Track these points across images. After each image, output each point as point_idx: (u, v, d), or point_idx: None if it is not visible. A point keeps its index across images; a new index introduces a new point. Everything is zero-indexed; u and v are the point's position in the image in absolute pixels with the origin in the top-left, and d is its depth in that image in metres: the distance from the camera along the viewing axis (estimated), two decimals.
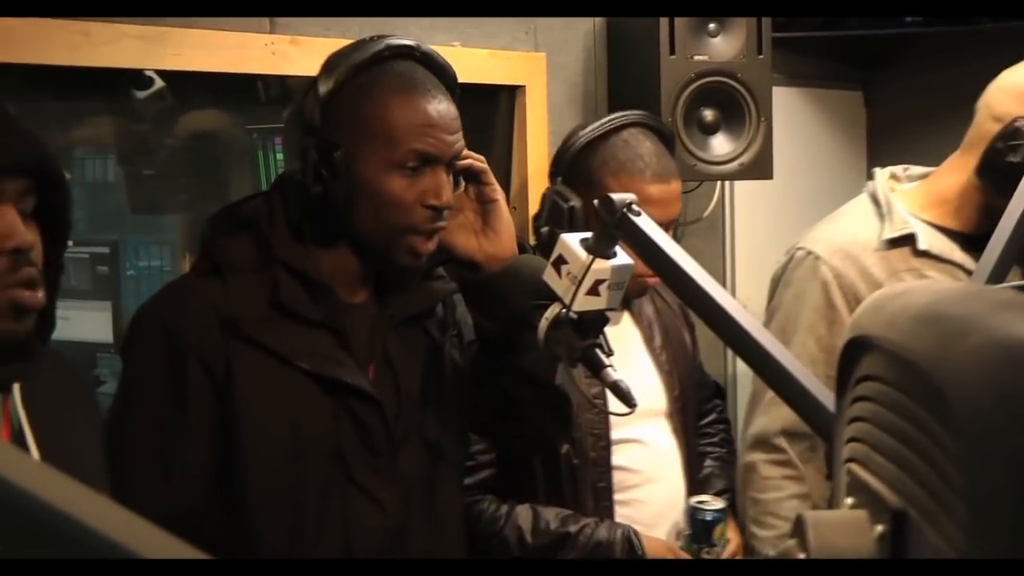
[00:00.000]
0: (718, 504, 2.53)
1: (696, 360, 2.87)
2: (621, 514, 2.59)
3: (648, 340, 2.71)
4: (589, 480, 2.55)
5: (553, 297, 1.86)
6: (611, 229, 1.79)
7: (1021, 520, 0.74)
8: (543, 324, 1.86)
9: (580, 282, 1.82)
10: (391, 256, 2.02)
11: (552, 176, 2.63)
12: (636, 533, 2.48)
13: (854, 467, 0.96)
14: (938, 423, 0.80)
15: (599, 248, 1.82)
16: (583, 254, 1.82)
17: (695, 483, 2.73)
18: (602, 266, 1.82)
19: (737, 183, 3.84)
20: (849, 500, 0.96)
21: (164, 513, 1.88)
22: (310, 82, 2.01)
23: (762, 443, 2.71)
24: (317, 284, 2.01)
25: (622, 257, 1.85)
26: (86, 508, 0.69)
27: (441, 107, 2.00)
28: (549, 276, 1.87)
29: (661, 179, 2.54)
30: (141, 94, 3.21)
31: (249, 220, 2.05)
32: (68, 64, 2.39)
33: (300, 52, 2.74)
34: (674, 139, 2.75)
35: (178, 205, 3.88)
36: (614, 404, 2.40)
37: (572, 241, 1.85)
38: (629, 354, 2.67)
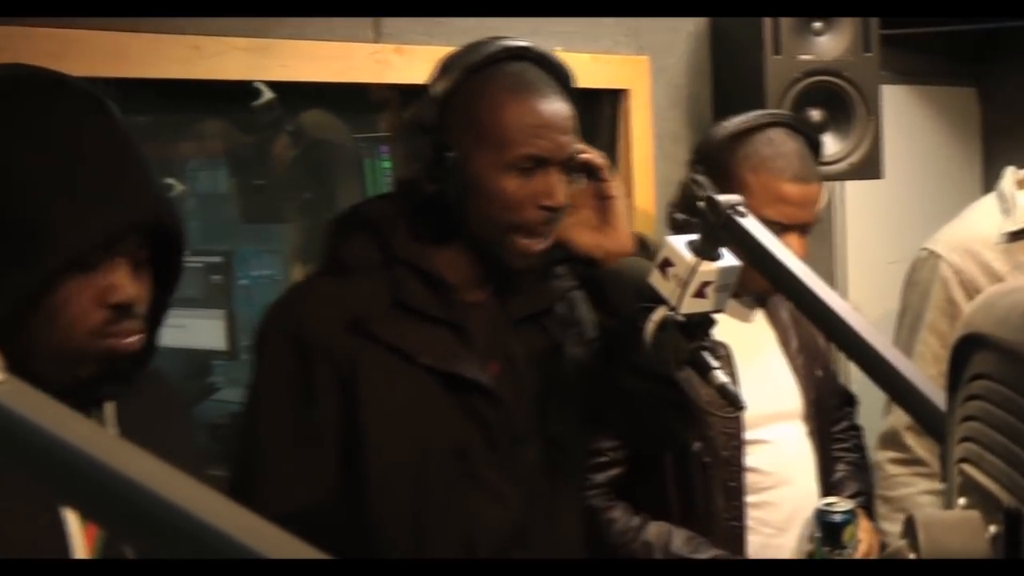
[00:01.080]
0: (847, 505, 2.49)
1: (833, 366, 2.84)
2: (753, 516, 2.56)
3: (784, 343, 2.69)
4: (720, 480, 2.53)
5: (660, 300, 1.85)
6: (717, 231, 1.77)
7: None
8: (650, 327, 1.85)
9: (686, 285, 1.81)
10: (504, 255, 2.03)
11: (692, 164, 2.61)
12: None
13: (966, 467, 0.94)
14: None
15: (705, 250, 1.81)
16: (689, 256, 1.81)
17: (828, 487, 2.69)
18: (708, 268, 1.81)
19: (848, 183, 3.79)
20: (962, 500, 0.95)
21: (294, 511, 1.94)
22: (426, 84, 2.03)
23: (890, 441, 2.72)
24: (438, 282, 2.03)
25: (729, 259, 1.83)
26: (210, 509, 0.70)
27: (554, 107, 2.00)
28: (655, 279, 1.85)
29: (800, 180, 2.51)
30: (252, 105, 3.26)
31: (371, 221, 2.08)
32: (180, 77, 2.44)
33: (404, 60, 2.76)
34: (820, 144, 2.70)
35: (288, 214, 3.93)
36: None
37: (678, 243, 1.83)
38: (764, 355, 2.66)
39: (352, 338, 1.99)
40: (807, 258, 3.29)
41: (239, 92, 2.93)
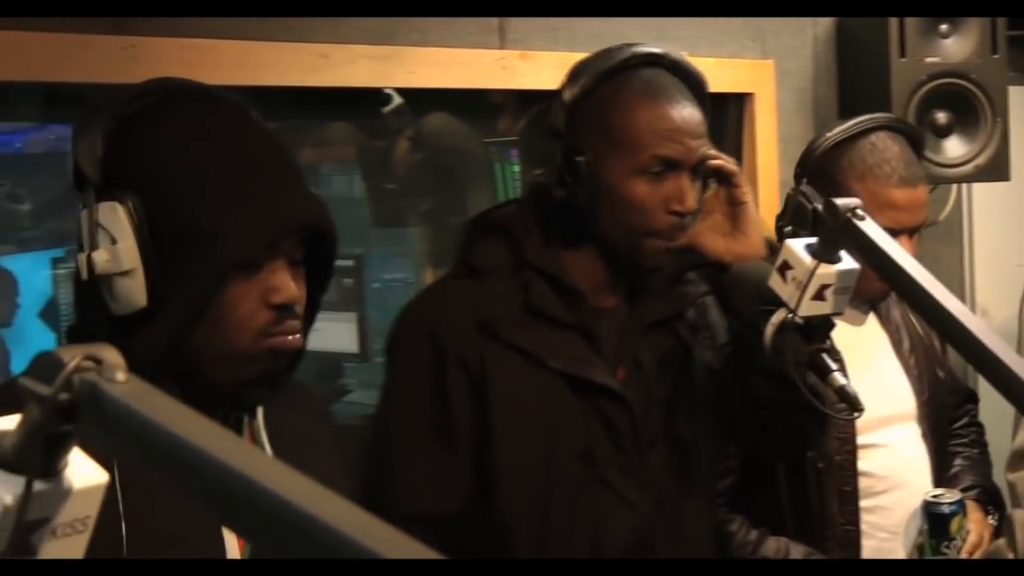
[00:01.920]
0: (954, 496, 2.46)
1: (947, 365, 2.82)
2: (867, 521, 2.54)
3: (896, 344, 2.66)
4: (834, 485, 2.51)
5: (779, 302, 1.87)
6: (836, 234, 1.79)
7: None
8: (769, 329, 1.87)
9: (805, 287, 1.82)
10: (635, 259, 2.05)
11: (797, 176, 2.61)
12: None
13: None
14: None
15: (824, 253, 1.82)
16: (808, 259, 1.82)
17: (942, 482, 2.66)
18: (827, 271, 1.82)
19: (976, 185, 3.74)
20: None
21: (428, 513, 1.99)
22: (558, 89, 2.06)
23: None
24: (567, 287, 2.06)
25: (848, 262, 1.84)
26: (331, 512, 0.73)
27: (685, 112, 2.02)
28: (775, 282, 1.87)
29: (907, 184, 2.49)
30: (382, 111, 3.33)
31: (503, 225, 2.12)
32: (310, 85, 2.52)
33: (529, 66, 2.81)
34: (923, 142, 2.68)
35: (419, 218, 3.99)
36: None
37: (797, 246, 1.85)
38: (876, 357, 2.64)
39: (483, 340, 2.02)
40: (932, 260, 3.28)
41: (369, 98, 3.00)
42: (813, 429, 2.23)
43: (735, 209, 2.15)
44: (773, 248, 2.16)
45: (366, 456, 2.15)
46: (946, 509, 2.43)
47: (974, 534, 2.54)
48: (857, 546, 2.53)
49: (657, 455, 2.12)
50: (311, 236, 1.61)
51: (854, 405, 1.84)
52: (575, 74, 2.05)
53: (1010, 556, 0.86)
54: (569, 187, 2.00)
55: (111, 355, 0.84)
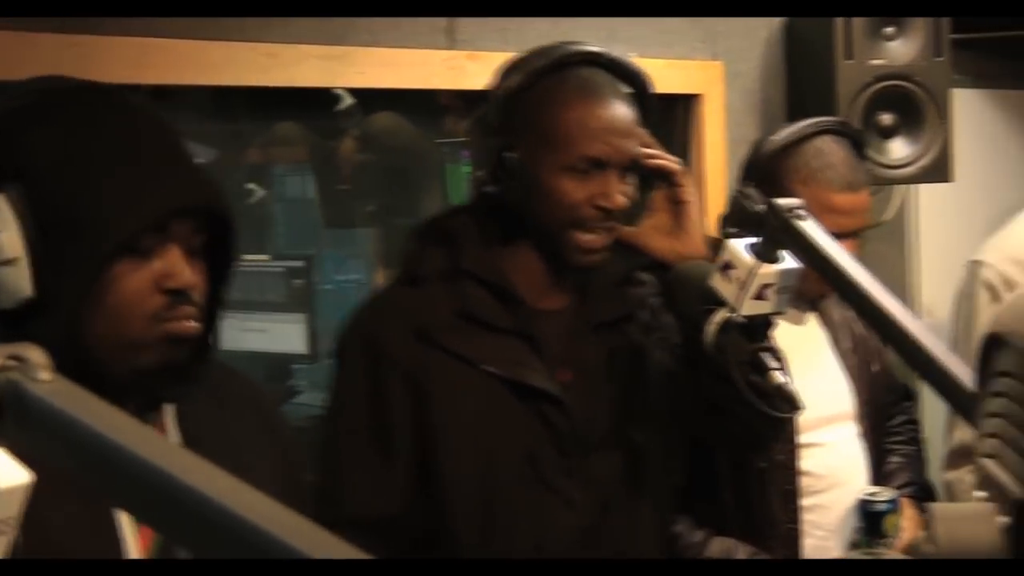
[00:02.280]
0: (888, 495, 2.49)
1: (886, 363, 2.84)
2: (806, 519, 2.56)
3: (836, 343, 2.68)
4: (777, 484, 2.53)
5: (721, 302, 1.88)
6: (777, 234, 1.81)
7: None
8: (711, 328, 1.89)
9: (747, 287, 1.84)
10: (563, 252, 2.06)
11: (742, 179, 2.63)
12: None
13: (987, 461, 0.98)
14: None
15: (765, 253, 1.84)
16: (749, 259, 1.85)
17: (878, 479, 2.69)
18: (768, 271, 1.84)
19: (921, 186, 3.78)
20: (982, 493, 0.98)
21: (373, 518, 1.99)
22: (491, 86, 2.08)
23: (963, 455, 2.66)
24: (505, 292, 2.07)
25: (789, 261, 1.86)
26: (249, 507, 0.73)
27: (616, 112, 2.03)
28: (717, 281, 1.89)
29: (850, 189, 2.51)
30: (333, 111, 3.33)
31: (447, 232, 2.13)
32: (257, 85, 2.52)
33: (479, 67, 2.81)
34: (866, 145, 2.72)
35: (371, 219, 3.99)
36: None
37: (739, 246, 1.87)
38: (817, 357, 2.66)
39: (422, 348, 2.04)
40: (877, 260, 3.31)
41: (322, 98, 2.99)
42: (767, 429, 2.22)
43: (678, 208, 2.18)
44: (715, 246, 2.18)
45: (317, 459, 2.16)
46: (880, 507, 2.45)
47: (908, 532, 2.57)
48: (797, 545, 2.55)
49: (604, 457, 2.13)
50: (212, 226, 1.61)
51: (793, 404, 1.86)
52: (509, 71, 2.07)
53: (930, 550, 0.88)
54: (502, 183, 2.02)
55: (35, 354, 0.83)
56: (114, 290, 1.51)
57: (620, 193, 2.03)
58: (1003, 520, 0.91)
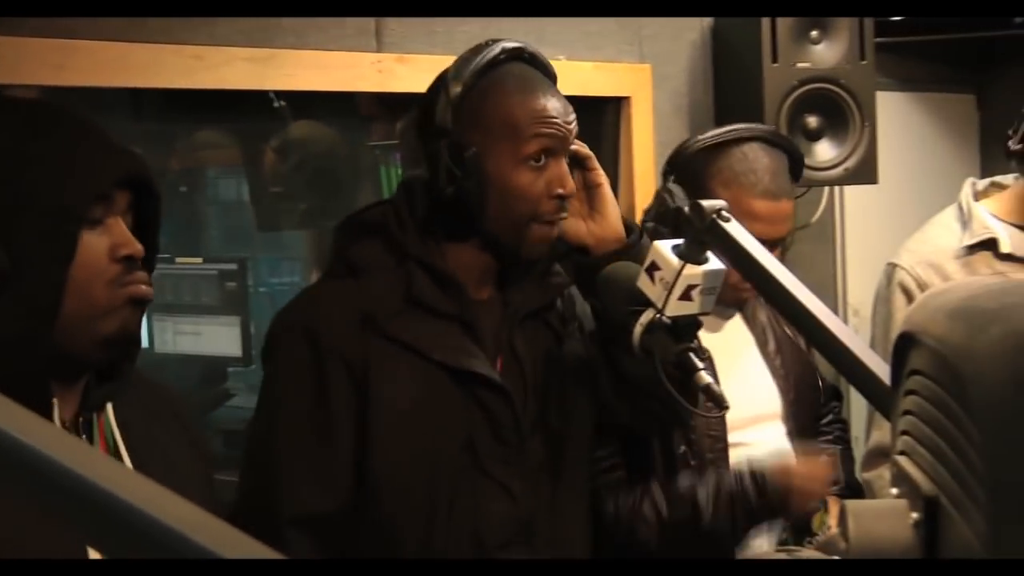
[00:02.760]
0: None
1: (812, 363, 2.87)
2: None
3: (762, 344, 2.71)
4: None
5: (648, 303, 1.90)
6: (701, 235, 1.82)
7: None
8: (638, 329, 1.91)
9: (672, 287, 1.86)
10: (521, 245, 2.10)
11: (665, 175, 2.65)
12: (758, 472, 2.47)
13: (900, 459, 0.99)
14: (964, 412, 0.84)
15: (690, 254, 1.86)
16: (675, 260, 1.86)
17: None
18: (693, 271, 1.86)
19: (848, 188, 3.83)
20: (894, 490, 1.00)
21: (313, 513, 2.00)
22: (433, 90, 2.11)
23: (882, 455, 2.70)
24: (448, 279, 2.10)
25: (714, 263, 1.88)
26: (171, 512, 0.73)
27: (558, 103, 2.09)
28: (643, 282, 1.91)
29: (770, 197, 2.53)
30: (266, 115, 3.31)
31: (377, 224, 2.15)
32: (182, 87, 2.51)
33: (407, 69, 2.82)
34: (802, 158, 2.72)
35: (304, 221, 3.98)
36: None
37: (664, 248, 1.89)
38: (742, 358, 2.68)
39: (364, 336, 2.05)
40: (805, 261, 3.34)
41: (254, 101, 2.98)
42: (685, 410, 2.25)
43: (592, 192, 2.22)
44: (630, 228, 2.21)
45: (244, 462, 2.16)
46: (808, 507, 2.48)
47: (834, 530, 2.60)
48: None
49: (536, 445, 2.16)
50: (139, 203, 1.70)
51: (719, 403, 1.88)
52: (455, 72, 2.09)
53: (843, 546, 0.89)
54: (458, 182, 2.04)
55: None
56: (79, 262, 1.58)
57: (570, 178, 2.10)
58: (915, 517, 0.92)
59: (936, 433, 0.91)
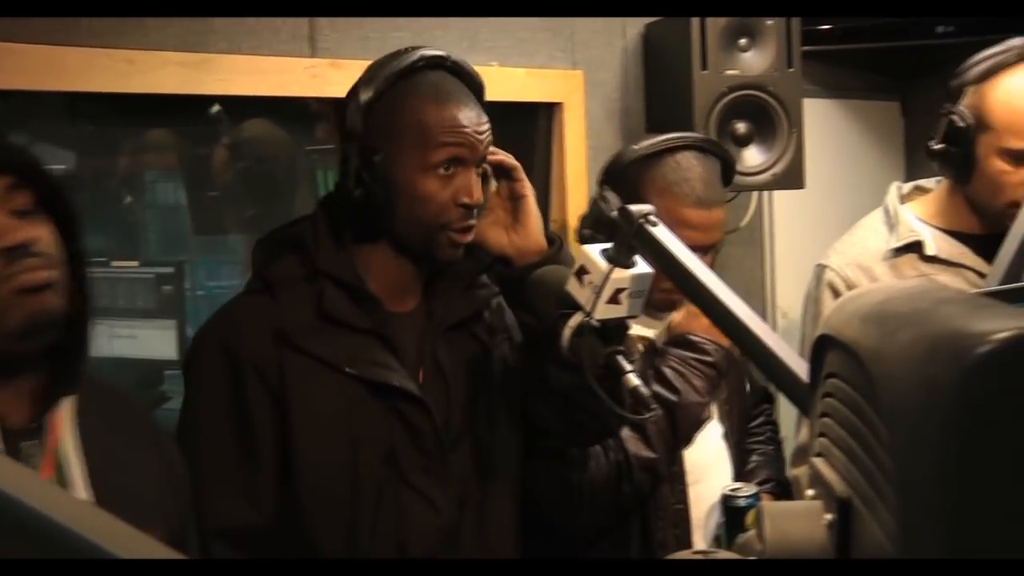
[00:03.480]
0: (750, 490, 2.56)
1: (745, 366, 2.90)
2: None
3: None
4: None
5: (577, 306, 1.92)
6: (629, 239, 1.85)
7: (943, 505, 0.78)
8: (566, 332, 1.92)
9: (600, 291, 1.88)
10: (430, 252, 2.12)
11: (601, 183, 2.67)
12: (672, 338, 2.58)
13: (816, 460, 1.02)
14: (875, 413, 0.86)
15: (619, 258, 1.88)
16: (603, 264, 1.88)
17: (740, 476, 2.75)
18: (621, 275, 1.88)
19: (776, 193, 3.88)
20: (810, 492, 1.02)
21: (238, 526, 2.00)
22: (348, 94, 2.12)
23: (806, 453, 2.73)
24: (362, 293, 2.11)
25: (642, 266, 1.90)
26: (64, 511, 0.73)
27: (471, 113, 2.10)
28: (571, 286, 1.93)
29: (703, 205, 2.56)
30: (203, 118, 3.31)
31: (293, 240, 2.16)
32: (114, 91, 2.49)
33: (341, 75, 2.82)
34: (733, 164, 2.76)
35: (241, 225, 3.96)
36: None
37: (593, 251, 1.90)
38: None
39: (280, 351, 2.06)
40: (735, 264, 3.38)
41: (191, 105, 2.98)
42: (615, 421, 2.26)
43: (515, 203, 2.24)
44: (552, 240, 2.23)
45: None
46: (742, 503, 2.51)
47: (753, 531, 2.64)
48: (688, 522, 2.61)
49: (460, 455, 2.17)
50: (35, 186, 1.66)
51: (645, 406, 1.90)
52: (368, 76, 2.11)
53: (759, 547, 0.92)
54: (366, 187, 2.06)
55: None
56: None
57: (479, 189, 2.11)
58: (829, 518, 0.95)
59: (850, 435, 0.93)
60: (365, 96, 2.08)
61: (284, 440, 2.06)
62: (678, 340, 2.57)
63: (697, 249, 2.54)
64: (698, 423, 2.55)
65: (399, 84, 2.09)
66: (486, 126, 2.13)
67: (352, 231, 2.13)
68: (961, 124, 2.53)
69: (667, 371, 2.52)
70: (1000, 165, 2.50)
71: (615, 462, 2.44)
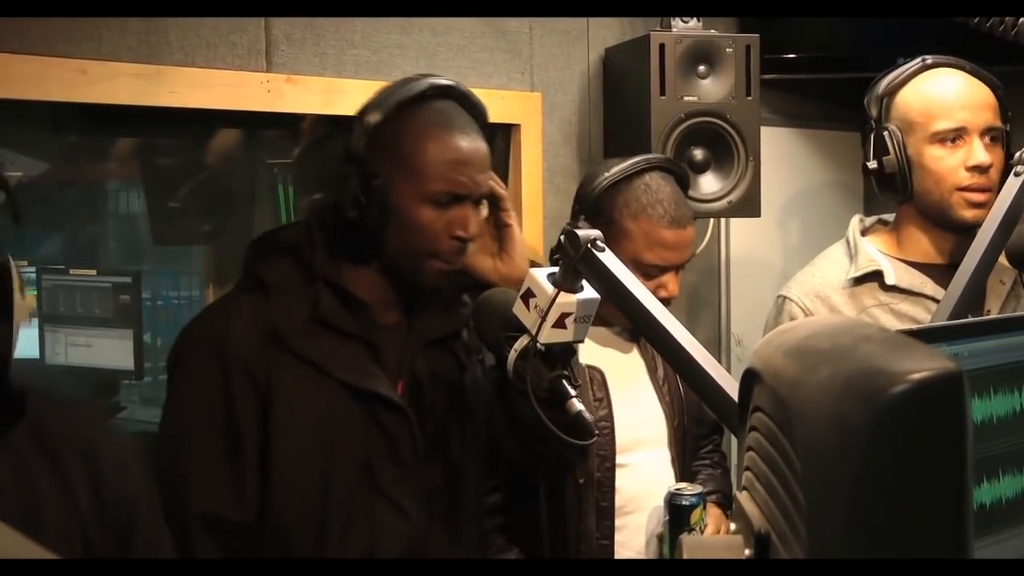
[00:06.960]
0: (695, 489, 2.56)
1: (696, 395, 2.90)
2: (617, 540, 2.63)
3: (652, 371, 2.76)
4: (593, 500, 2.59)
5: (523, 329, 1.92)
6: (575, 263, 1.85)
7: (850, 544, 0.78)
8: (512, 355, 1.93)
9: (546, 315, 1.88)
10: (416, 278, 2.14)
11: (575, 213, 2.69)
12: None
13: (739, 495, 1.01)
14: (791, 448, 0.86)
15: (565, 282, 1.88)
16: (549, 288, 1.88)
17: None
18: (567, 300, 1.88)
19: (733, 220, 3.88)
20: (732, 526, 1.02)
21: (224, 516, 2.01)
22: (358, 113, 2.12)
23: None
24: (354, 300, 2.13)
25: (588, 291, 1.90)
26: None
27: (473, 146, 2.12)
28: (518, 308, 1.93)
29: (677, 224, 2.60)
30: (164, 130, 3.29)
31: (290, 243, 2.17)
32: (66, 100, 2.48)
33: (295, 90, 2.82)
34: (689, 179, 2.81)
35: (200, 237, 3.95)
36: (619, 429, 2.50)
37: (540, 275, 1.91)
38: (635, 384, 2.73)
39: (271, 351, 2.07)
40: (691, 291, 3.38)
41: (151, 116, 2.96)
42: (573, 454, 2.27)
43: (501, 231, 2.28)
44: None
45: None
46: (686, 501, 2.52)
47: (711, 526, 2.65)
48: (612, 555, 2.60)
49: (432, 468, 2.19)
50: None
51: (586, 431, 1.90)
52: (376, 101, 2.12)
53: None
54: (362, 208, 2.06)
55: None
56: None
57: (475, 223, 2.12)
58: (748, 553, 0.94)
59: (770, 469, 0.93)
60: (371, 119, 2.09)
61: (266, 439, 2.06)
62: None
63: (670, 268, 2.59)
64: None
65: (406, 110, 2.10)
66: (487, 161, 2.15)
67: (345, 249, 2.15)
68: (885, 132, 2.57)
69: None
70: (934, 152, 2.53)
71: None
